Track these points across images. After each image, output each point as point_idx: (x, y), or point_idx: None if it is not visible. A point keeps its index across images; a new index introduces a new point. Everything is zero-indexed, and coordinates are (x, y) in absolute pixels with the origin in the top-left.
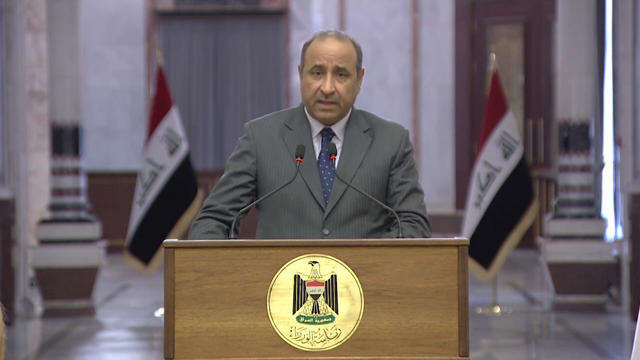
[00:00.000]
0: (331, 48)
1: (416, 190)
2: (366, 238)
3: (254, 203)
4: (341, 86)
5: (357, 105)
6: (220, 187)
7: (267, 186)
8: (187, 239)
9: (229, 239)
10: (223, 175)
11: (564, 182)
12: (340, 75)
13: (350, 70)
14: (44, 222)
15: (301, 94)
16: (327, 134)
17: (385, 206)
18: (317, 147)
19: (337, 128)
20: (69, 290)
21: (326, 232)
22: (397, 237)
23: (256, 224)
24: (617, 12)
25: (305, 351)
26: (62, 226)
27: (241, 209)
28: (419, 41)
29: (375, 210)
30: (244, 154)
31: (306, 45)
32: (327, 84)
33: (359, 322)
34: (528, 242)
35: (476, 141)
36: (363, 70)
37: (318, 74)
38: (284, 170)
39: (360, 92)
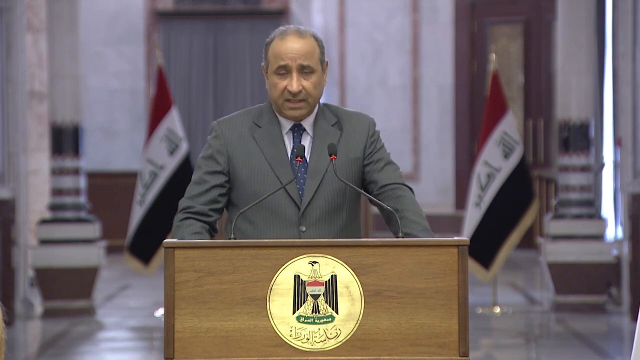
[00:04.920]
0: (293, 47)
1: (391, 163)
2: (343, 231)
3: (249, 207)
4: (308, 83)
5: (358, 106)
6: (196, 187)
7: (241, 184)
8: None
9: (229, 238)
10: (196, 175)
11: (564, 182)
12: (305, 72)
13: (315, 66)
14: (44, 222)
15: (268, 94)
16: (297, 130)
17: (362, 192)
18: (288, 143)
19: (307, 123)
20: (69, 290)
21: (303, 229)
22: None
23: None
24: (617, 12)
25: (305, 351)
26: (62, 226)
27: (219, 209)
28: (419, 41)
29: (350, 202)
30: (216, 153)
31: (267, 44)
32: (293, 83)
33: (359, 322)
34: (528, 242)
35: (476, 141)
36: (327, 63)
37: (283, 73)
38: (257, 168)
39: (360, 92)
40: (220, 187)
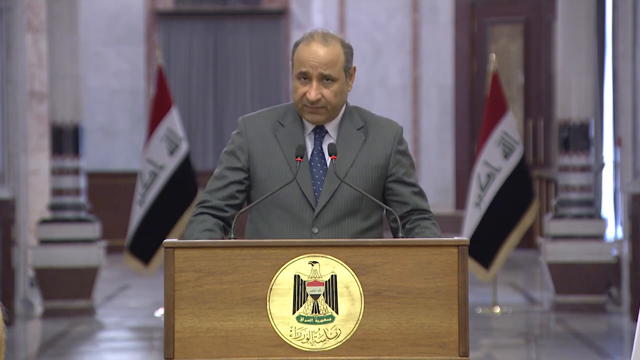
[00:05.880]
0: (316, 54)
1: (422, 191)
2: (357, 237)
3: (251, 205)
4: (328, 91)
5: (357, 105)
6: (215, 182)
7: (258, 183)
8: (184, 235)
9: (229, 238)
10: (217, 169)
11: (564, 182)
12: (326, 81)
13: (337, 74)
14: (44, 222)
15: (292, 95)
16: (320, 132)
17: (380, 203)
18: (310, 145)
19: (330, 126)
20: (69, 290)
21: (315, 230)
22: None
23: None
24: (617, 12)
25: (305, 351)
26: (62, 226)
27: (236, 204)
28: (419, 41)
29: (367, 209)
30: (238, 150)
31: (295, 46)
32: (312, 91)
33: (359, 322)
34: (528, 242)
35: (476, 141)
36: (354, 68)
37: (305, 79)
38: (275, 168)
39: (360, 92)
40: (239, 183)
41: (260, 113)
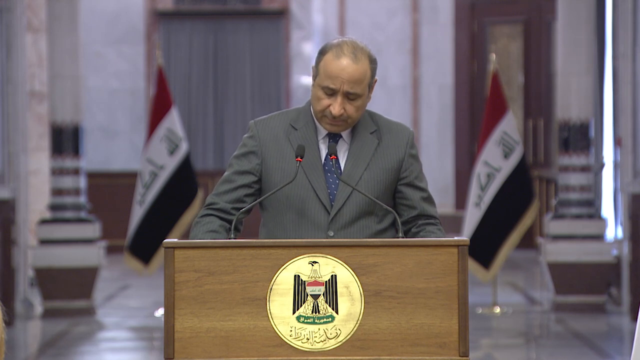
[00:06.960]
0: (345, 71)
1: (431, 197)
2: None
3: (255, 202)
4: (351, 107)
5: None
6: (224, 185)
7: (272, 187)
8: (188, 237)
9: (230, 238)
10: (226, 173)
11: (564, 182)
12: (352, 96)
13: (362, 91)
14: (44, 222)
15: (311, 100)
16: (333, 136)
17: (390, 210)
18: (323, 148)
19: (344, 131)
20: (69, 290)
21: (331, 233)
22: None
23: (259, 222)
24: (617, 12)
25: (305, 351)
26: (62, 226)
27: (243, 208)
28: (419, 41)
29: (380, 211)
30: (249, 154)
31: (321, 53)
32: (336, 107)
33: (359, 322)
34: (528, 242)
35: (476, 141)
36: (375, 80)
37: (330, 92)
38: (289, 171)
39: None
40: (248, 187)
41: (272, 116)
